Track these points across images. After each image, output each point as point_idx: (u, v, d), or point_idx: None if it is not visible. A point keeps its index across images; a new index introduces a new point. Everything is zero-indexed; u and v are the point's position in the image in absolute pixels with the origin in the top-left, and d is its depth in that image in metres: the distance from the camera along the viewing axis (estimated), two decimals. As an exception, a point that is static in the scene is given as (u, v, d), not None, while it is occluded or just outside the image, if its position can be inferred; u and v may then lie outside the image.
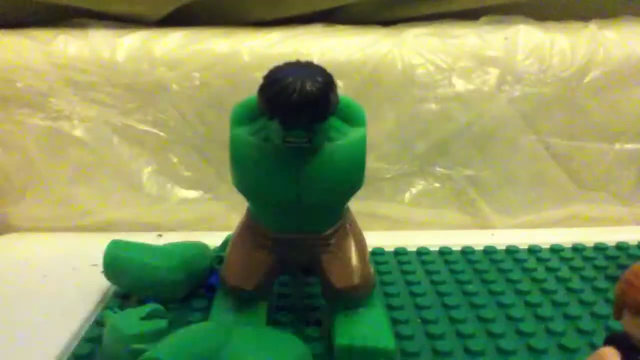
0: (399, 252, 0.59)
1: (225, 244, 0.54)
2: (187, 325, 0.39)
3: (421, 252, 0.59)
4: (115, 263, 0.50)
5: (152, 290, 0.49)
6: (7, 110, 0.65)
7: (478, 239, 0.62)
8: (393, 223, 0.68)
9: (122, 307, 0.47)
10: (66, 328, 0.45)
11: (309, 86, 0.33)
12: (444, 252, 0.59)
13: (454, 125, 0.66)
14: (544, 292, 0.51)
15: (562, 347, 0.42)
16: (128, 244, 0.51)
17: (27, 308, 0.49)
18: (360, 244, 0.43)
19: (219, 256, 0.51)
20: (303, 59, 0.36)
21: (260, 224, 0.42)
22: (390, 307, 0.48)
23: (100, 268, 0.51)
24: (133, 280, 0.49)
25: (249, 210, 0.44)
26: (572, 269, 0.55)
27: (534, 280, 0.53)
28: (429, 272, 0.55)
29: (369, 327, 0.42)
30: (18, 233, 0.67)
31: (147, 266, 0.48)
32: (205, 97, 0.65)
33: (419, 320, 0.46)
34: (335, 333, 0.41)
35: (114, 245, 0.51)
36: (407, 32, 0.68)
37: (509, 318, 0.46)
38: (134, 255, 0.49)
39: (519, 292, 0.50)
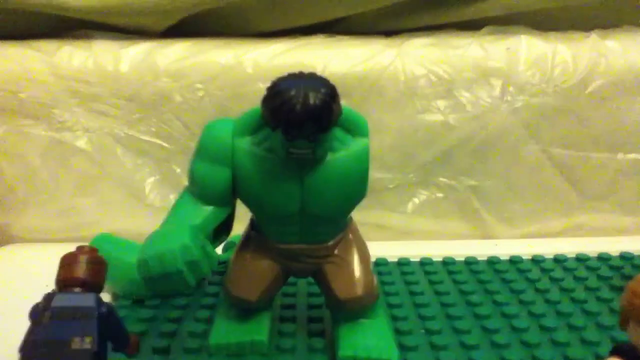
0: (403, 263, 0.59)
1: (227, 247, 0.54)
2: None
3: (424, 263, 0.59)
4: None
5: (123, 285, 0.51)
6: (10, 121, 0.66)
7: (481, 249, 0.62)
8: (396, 233, 0.68)
9: (125, 319, 0.47)
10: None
11: (312, 97, 0.33)
12: (447, 263, 0.59)
13: (457, 135, 0.67)
14: (548, 302, 0.50)
15: (567, 358, 0.42)
16: (113, 239, 0.53)
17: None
18: (364, 254, 0.43)
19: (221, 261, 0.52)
20: (306, 70, 0.36)
21: (263, 234, 0.42)
22: (393, 318, 0.48)
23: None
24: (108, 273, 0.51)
25: (252, 221, 0.44)
26: (576, 279, 0.55)
27: (538, 290, 0.53)
28: (432, 283, 0.55)
29: (372, 338, 0.42)
30: (20, 243, 0.67)
31: (121, 262, 0.50)
32: (208, 108, 0.66)
33: (422, 331, 0.46)
34: (339, 344, 0.41)
35: (100, 237, 0.53)
36: (409, 43, 0.68)
37: (513, 329, 0.46)
38: (113, 249, 0.51)
39: (522, 303, 0.50)
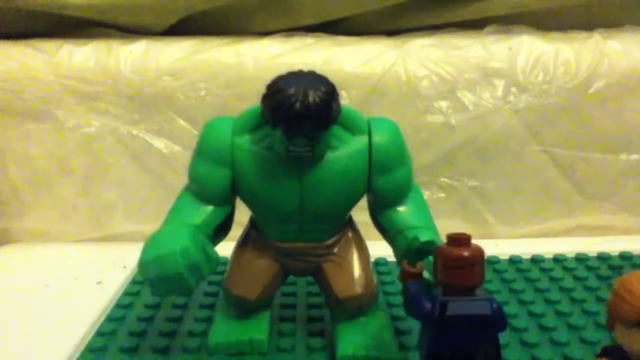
0: (403, 262, 0.59)
1: None
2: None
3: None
4: None
5: None
6: (12, 122, 0.66)
7: (481, 249, 0.62)
8: (397, 233, 0.68)
9: (125, 318, 0.48)
10: (68, 338, 0.45)
11: (311, 96, 0.33)
12: (447, 262, 0.59)
13: (459, 136, 0.66)
14: (548, 302, 0.50)
15: (567, 358, 0.42)
16: None
17: (29, 317, 0.49)
18: (363, 253, 0.43)
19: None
20: (307, 69, 0.36)
21: (263, 233, 0.42)
22: (393, 318, 0.47)
23: (104, 284, 0.51)
24: None
25: (251, 220, 0.44)
26: (576, 278, 0.55)
27: (538, 290, 0.53)
28: (432, 282, 0.54)
29: (371, 337, 0.42)
30: (20, 243, 0.67)
31: None
32: (210, 106, 0.66)
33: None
34: (338, 343, 0.41)
35: None
36: (411, 43, 0.68)
37: (513, 328, 0.46)
38: None
39: (522, 302, 0.50)
